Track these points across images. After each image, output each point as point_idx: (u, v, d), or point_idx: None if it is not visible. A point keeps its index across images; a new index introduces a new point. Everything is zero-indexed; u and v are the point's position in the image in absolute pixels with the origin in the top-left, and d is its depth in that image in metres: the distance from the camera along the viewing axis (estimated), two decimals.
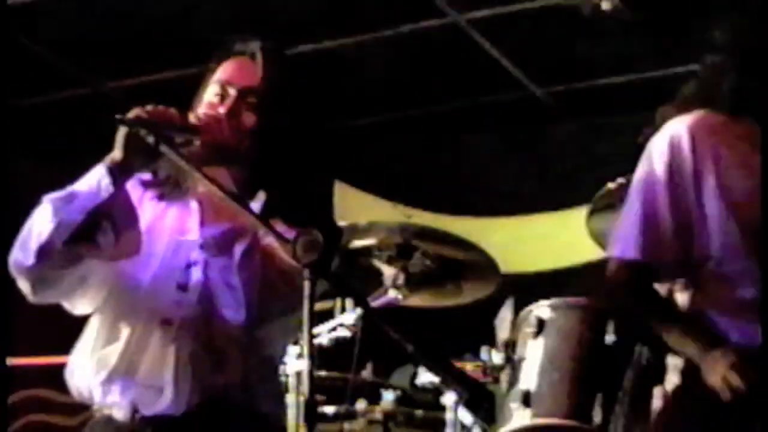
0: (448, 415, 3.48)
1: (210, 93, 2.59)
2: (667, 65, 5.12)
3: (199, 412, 2.50)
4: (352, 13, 4.92)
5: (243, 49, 2.63)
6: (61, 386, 3.19)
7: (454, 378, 3.04)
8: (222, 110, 2.51)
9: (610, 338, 3.00)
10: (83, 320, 2.66)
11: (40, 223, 2.44)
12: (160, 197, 2.59)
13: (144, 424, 2.51)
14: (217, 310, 2.51)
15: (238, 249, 2.47)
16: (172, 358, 2.50)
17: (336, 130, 5.46)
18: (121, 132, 2.35)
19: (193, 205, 2.58)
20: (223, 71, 2.61)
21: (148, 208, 2.60)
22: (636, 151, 3.47)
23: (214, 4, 4.73)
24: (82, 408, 2.92)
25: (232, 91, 2.56)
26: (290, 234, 2.21)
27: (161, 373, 2.51)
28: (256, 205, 2.56)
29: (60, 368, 3.02)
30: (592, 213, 3.46)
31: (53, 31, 5.15)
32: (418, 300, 3.67)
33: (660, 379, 3.01)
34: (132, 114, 2.34)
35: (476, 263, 3.63)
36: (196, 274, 2.54)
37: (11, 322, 4.06)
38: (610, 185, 3.29)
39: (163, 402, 2.50)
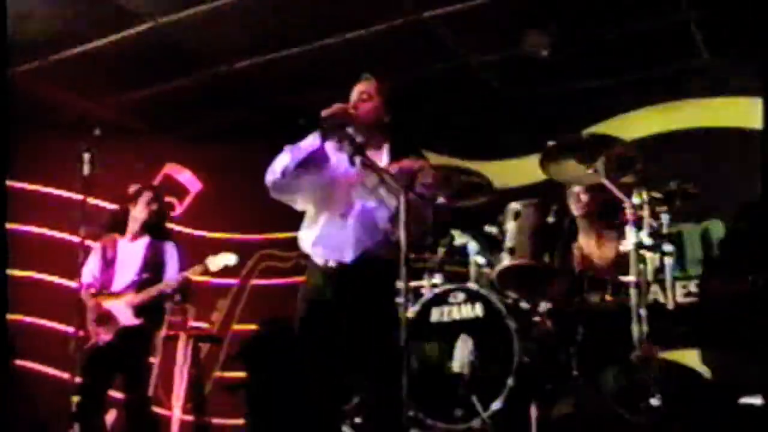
0: (471, 259, 4.34)
1: (352, 99, 3.31)
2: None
3: (362, 261, 3.15)
4: None
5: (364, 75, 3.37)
6: (281, 247, 4.57)
7: (473, 238, 4.22)
8: (350, 107, 3.20)
9: (551, 219, 4.10)
10: (295, 215, 3.34)
11: (282, 158, 3.14)
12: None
13: (331, 267, 3.19)
14: (369, 206, 3.16)
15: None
16: (348, 232, 3.16)
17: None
18: (321, 120, 3.06)
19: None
20: (357, 86, 3.36)
21: (341, 155, 3.21)
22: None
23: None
24: (291, 258, 4.14)
25: (354, 96, 3.31)
26: (395, 168, 3.03)
27: (341, 239, 3.16)
28: (383, 153, 3.25)
29: (278, 239, 4.46)
30: (543, 157, 3.82)
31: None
32: (456, 202, 4.23)
33: (575, 238, 4.17)
34: (323, 113, 3.08)
35: (483, 183, 4.26)
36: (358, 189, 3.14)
37: None
38: (551, 143, 3.79)
39: (343, 254, 3.17)
